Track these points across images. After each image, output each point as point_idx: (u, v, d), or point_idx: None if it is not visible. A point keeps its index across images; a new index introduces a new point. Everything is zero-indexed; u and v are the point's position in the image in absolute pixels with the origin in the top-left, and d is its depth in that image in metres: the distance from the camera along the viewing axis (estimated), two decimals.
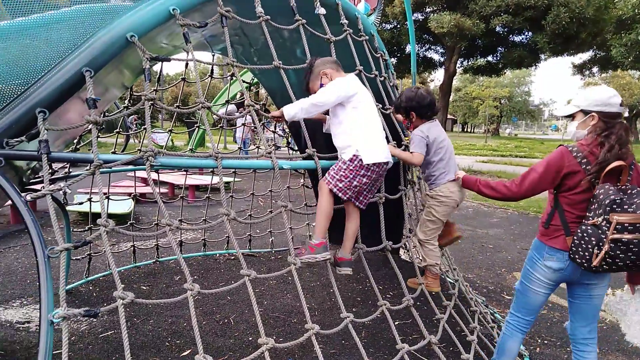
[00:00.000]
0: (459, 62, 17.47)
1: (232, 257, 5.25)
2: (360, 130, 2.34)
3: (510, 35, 15.98)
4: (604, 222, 2.00)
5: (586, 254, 2.07)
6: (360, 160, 2.30)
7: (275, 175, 2.41)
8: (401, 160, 2.84)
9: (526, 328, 2.48)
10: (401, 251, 5.18)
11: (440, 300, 3.03)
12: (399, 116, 3.13)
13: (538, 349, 3.31)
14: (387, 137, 2.72)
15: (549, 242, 2.28)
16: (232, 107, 10.29)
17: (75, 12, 2.18)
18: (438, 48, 18.07)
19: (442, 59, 18.22)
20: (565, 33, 13.20)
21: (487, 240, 6.54)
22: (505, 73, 20.59)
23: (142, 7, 2.23)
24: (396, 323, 2.52)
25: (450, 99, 21.46)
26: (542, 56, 15.96)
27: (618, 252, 1.98)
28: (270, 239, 5.55)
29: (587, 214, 2.12)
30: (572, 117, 2.31)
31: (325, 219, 2.38)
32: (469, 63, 18.52)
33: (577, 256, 2.13)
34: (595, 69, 18.48)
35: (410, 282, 2.98)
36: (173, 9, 2.21)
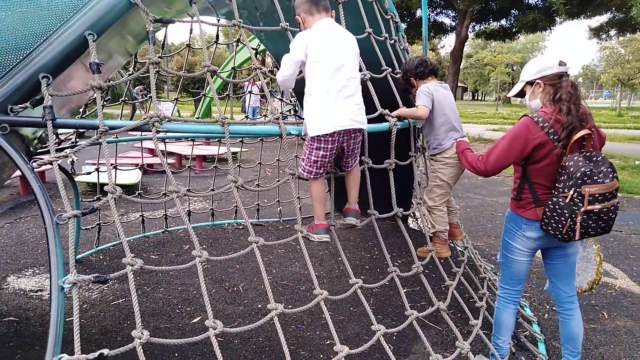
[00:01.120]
0: (471, 26, 16.95)
1: (241, 227, 5.27)
2: (308, 97, 2.13)
3: None
4: (576, 194, 2.01)
5: (559, 225, 2.09)
6: (307, 133, 2.14)
7: (282, 143, 2.36)
8: (406, 117, 2.75)
9: (517, 298, 2.50)
10: (409, 220, 5.16)
11: (450, 267, 3.02)
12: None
13: (546, 315, 3.32)
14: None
15: (525, 213, 2.30)
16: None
17: None
18: (450, 12, 17.53)
19: (453, 24, 17.70)
20: None
21: (496, 208, 6.50)
22: (518, 38, 20.02)
23: None
24: (404, 290, 2.52)
25: (461, 66, 21.00)
26: (558, 19, 15.42)
27: (590, 222, 2.03)
28: (278, 209, 5.56)
29: (557, 185, 2.12)
30: (523, 94, 2.34)
31: (317, 202, 2.29)
32: (482, 27, 17.98)
33: (549, 227, 2.15)
34: (612, 32, 17.84)
35: (419, 251, 2.96)
36: None
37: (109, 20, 2.07)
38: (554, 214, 2.10)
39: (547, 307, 3.44)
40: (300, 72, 2.23)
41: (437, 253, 2.91)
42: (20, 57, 1.96)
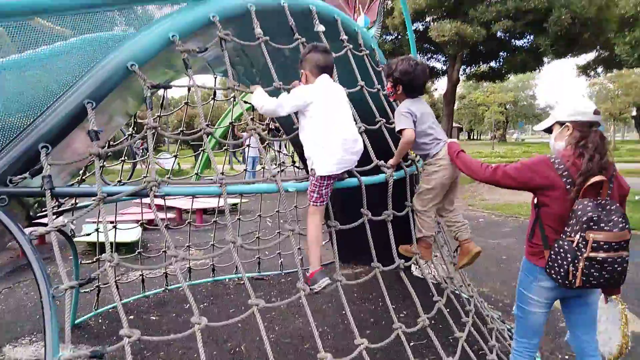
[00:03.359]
0: (461, 69, 17.42)
1: (242, 282, 5.17)
2: (315, 141, 2.33)
3: (512, 40, 15.93)
4: (581, 239, 1.98)
5: (561, 270, 2.05)
6: (315, 172, 2.31)
7: (280, 198, 2.37)
8: (398, 155, 2.73)
9: (534, 352, 2.41)
10: (412, 267, 5.07)
11: (459, 317, 2.93)
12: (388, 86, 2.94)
13: None
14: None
15: (539, 262, 2.24)
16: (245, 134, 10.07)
17: (82, 41, 2.18)
18: (440, 57, 18.07)
19: (444, 68, 18.21)
20: (567, 34, 13.09)
21: (499, 251, 6.41)
22: (509, 78, 20.47)
23: (141, 36, 2.23)
24: (412, 344, 2.44)
25: (455, 107, 21.38)
26: (545, 59, 15.88)
27: (592, 270, 1.97)
28: (280, 261, 5.48)
29: (566, 228, 2.09)
30: (550, 130, 2.32)
31: (314, 244, 2.37)
32: (472, 70, 18.47)
33: (552, 271, 2.11)
34: (600, 69, 18.35)
35: (402, 248, 2.92)
36: (172, 36, 2.21)
37: (109, 88, 2.13)
38: (558, 257, 2.06)
39: (560, 356, 3.32)
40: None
41: (421, 256, 2.86)
42: (26, 122, 1.98)
